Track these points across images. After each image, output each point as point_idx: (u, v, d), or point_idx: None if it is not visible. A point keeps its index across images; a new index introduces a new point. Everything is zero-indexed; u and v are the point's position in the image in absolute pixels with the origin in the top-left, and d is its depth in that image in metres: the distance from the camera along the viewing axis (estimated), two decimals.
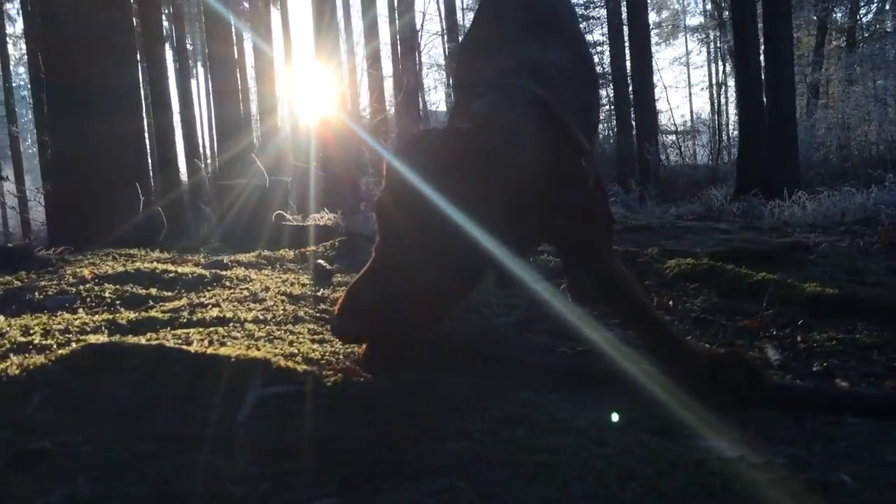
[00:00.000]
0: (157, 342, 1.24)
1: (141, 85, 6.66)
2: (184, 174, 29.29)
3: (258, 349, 1.41)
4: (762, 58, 13.58)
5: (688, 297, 2.21)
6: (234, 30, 26.05)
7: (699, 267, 2.37)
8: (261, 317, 1.83)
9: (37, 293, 2.10)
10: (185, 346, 1.23)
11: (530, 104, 1.56)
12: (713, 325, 1.89)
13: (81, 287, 2.17)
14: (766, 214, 9.40)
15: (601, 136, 29.82)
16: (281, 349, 1.42)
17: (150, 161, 20.20)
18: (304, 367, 1.24)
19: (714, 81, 34.41)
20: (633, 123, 19.44)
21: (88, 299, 2.04)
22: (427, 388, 1.19)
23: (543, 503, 0.82)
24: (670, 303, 2.11)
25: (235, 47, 27.42)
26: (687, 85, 46.04)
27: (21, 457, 0.90)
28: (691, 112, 37.26)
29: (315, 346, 1.49)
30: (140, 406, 1.08)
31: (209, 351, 1.22)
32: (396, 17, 20.88)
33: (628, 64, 20.10)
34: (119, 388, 1.12)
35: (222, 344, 1.46)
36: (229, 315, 1.81)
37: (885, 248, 3.90)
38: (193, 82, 29.77)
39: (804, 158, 16.36)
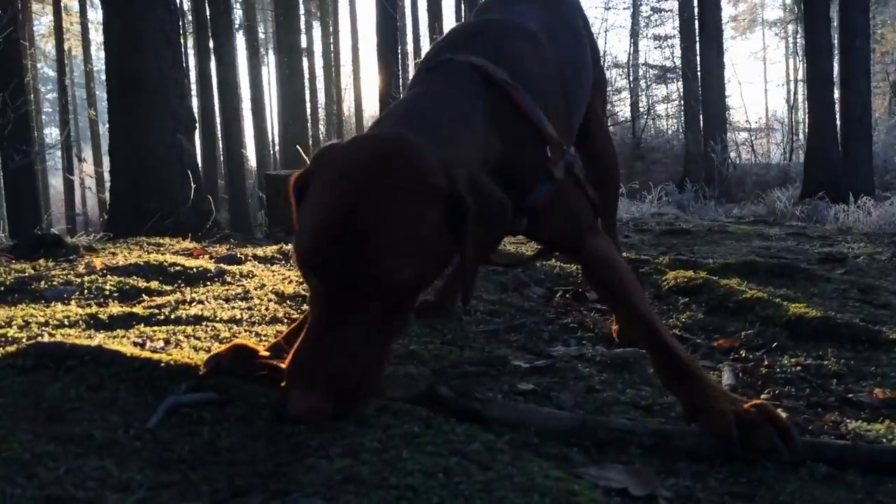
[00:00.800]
0: (97, 343, 1.30)
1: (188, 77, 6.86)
2: (252, 160, 29.93)
3: (206, 352, 1.46)
4: (836, 55, 13.11)
5: (676, 311, 2.17)
6: (303, 19, 26.39)
7: (694, 281, 2.33)
8: (238, 316, 1.88)
9: (43, 282, 2.22)
10: (122, 348, 1.29)
11: (476, 92, 1.42)
12: (688, 343, 1.86)
13: (86, 278, 2.27)
14: (829, 219, 9.10)
15: (670, 131, 29.29)
16: None
17: (219, 147, 20.61)
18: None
19: (791, 77, 33.36)
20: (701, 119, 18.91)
21: (87, 291, 2.14)
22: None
23: None
24: None
25: (304, 35, 27.79)
26: (763, 81, 44.62)
27: None
28: (766, 109, 36.22)
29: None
30: (64, 407, 1.14)
31: (143, 354, 1.28)
32: (463, 7, 20.85)
33: (699, 59, 19.52)
34: (51, 387, 1.19)
35: (178, 345, 1.52)
36: (207, 314, 1.87)
37: None
38: (264, 69, 30.44)
39: (883, 160, 15.70)
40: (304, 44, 28.03)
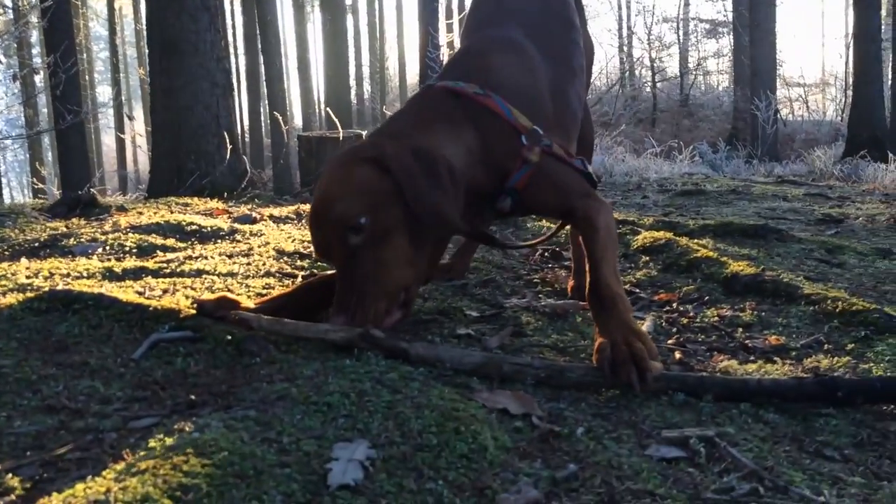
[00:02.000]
0: (99, 291, 1.57)
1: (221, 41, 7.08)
2: (298, 118, 30.10)
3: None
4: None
5: (636, 269, 2.36)
6: None
7: (658, 241, 2.51)
8: (235, 270, 2.14)
9: (72, 239, 2.50)
10: (120, 295, 1.55)
11: (446, 103, 1.74)
12: (634, 297, 2.06)
13: (111, 236, 2.55)
14: (867, 179, 9.05)
15: (721, 87, 28.73)
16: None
17: (264, 106, 20.78)
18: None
19: (848, 31, 32.22)
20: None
21: (110, 247, 2.42)
22: (298, 341, 1.46)
23: (302, 430, 1.08)
24: None
25: None
26: (821, 34, 43.23)
27: None
28: (823, 63, 35.15)
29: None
30: (68, 341, 1.41)
31: (137, 300, 1.54)
32: None
33: (749, 12, 18.98)
34: (59, 326, 1.46)
35: (174, 293, 1.79)
36: (209, 268, 2.13)
37: None
38: (310, 27, 30.58)
39: None
40: (348, 0, 28.13)
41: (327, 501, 0.91)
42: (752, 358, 1.54)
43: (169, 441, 0.98)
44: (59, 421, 1.11)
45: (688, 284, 2.10)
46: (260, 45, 20.31)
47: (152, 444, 0.99)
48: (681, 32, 30.61)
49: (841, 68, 27.28)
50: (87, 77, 25.91)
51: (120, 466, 0.91)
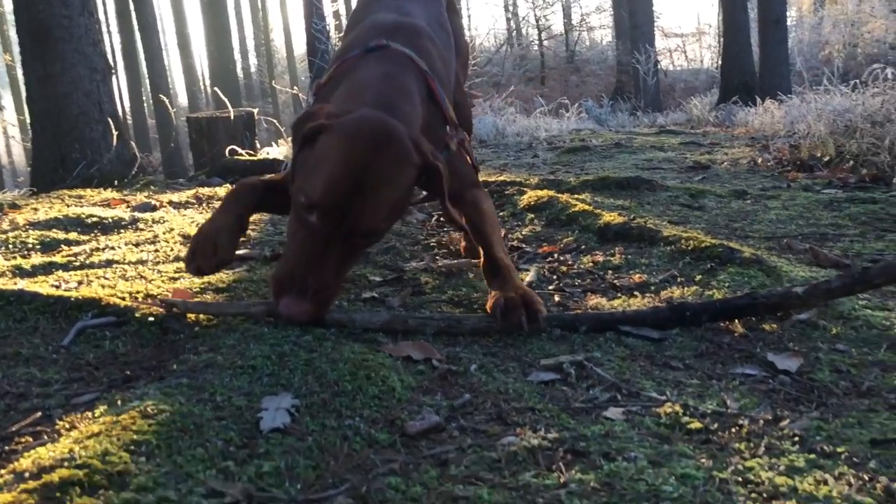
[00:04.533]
0: (19, 287, 1.65)
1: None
2: (182, 96, 28.96)
3: (112, 288, 1.82)
4: None
5: (523, 226, 2.59)
6: None
7: (542, 199, 2.74)
8: (144, 258, 2.23)
9: None
10: (40, 290, 1.64)
11: (416, 77, 1.84)
12: (521, 251, 2.28)
13: (10, 234, 2.57)
14: (739, 123, 9.66)
15: (604, 41, 29.55)
16: (131, 288, 1.83)
17: (146, 86, 20.00)
18: (131, 302, 1.65)
19: None
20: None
21: (13, 246, 2.45)
22: (221, 318, 1.59)
23: (232, 390, 1.23)
24: (502, 232, 2.50)
25: None
26: None
27: None
28: (698, 14, 36.62)
29: (164, 283, 1.90)
30: None
31: (57, 293, 1.63)
32: None
33: None
34: None
35: (89, 284, 1.88)
36: (117, 258, 2.21)
37: (775, 167, 4.22)
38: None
39: (807, 59, 16.27)
40: None
41: (262, 443, 1.07)
42: (618, 295, 1.78)
43: (114, 409, 1.12)
44: (6, 405, 1.22)
45: (567, 236, 2.34)
46: (136, 23, 19.51)
47: (99, 413, 1.12)
48: None
49: (714, 18, 28.57)
50: None
51: (75, 433, 1.04)
